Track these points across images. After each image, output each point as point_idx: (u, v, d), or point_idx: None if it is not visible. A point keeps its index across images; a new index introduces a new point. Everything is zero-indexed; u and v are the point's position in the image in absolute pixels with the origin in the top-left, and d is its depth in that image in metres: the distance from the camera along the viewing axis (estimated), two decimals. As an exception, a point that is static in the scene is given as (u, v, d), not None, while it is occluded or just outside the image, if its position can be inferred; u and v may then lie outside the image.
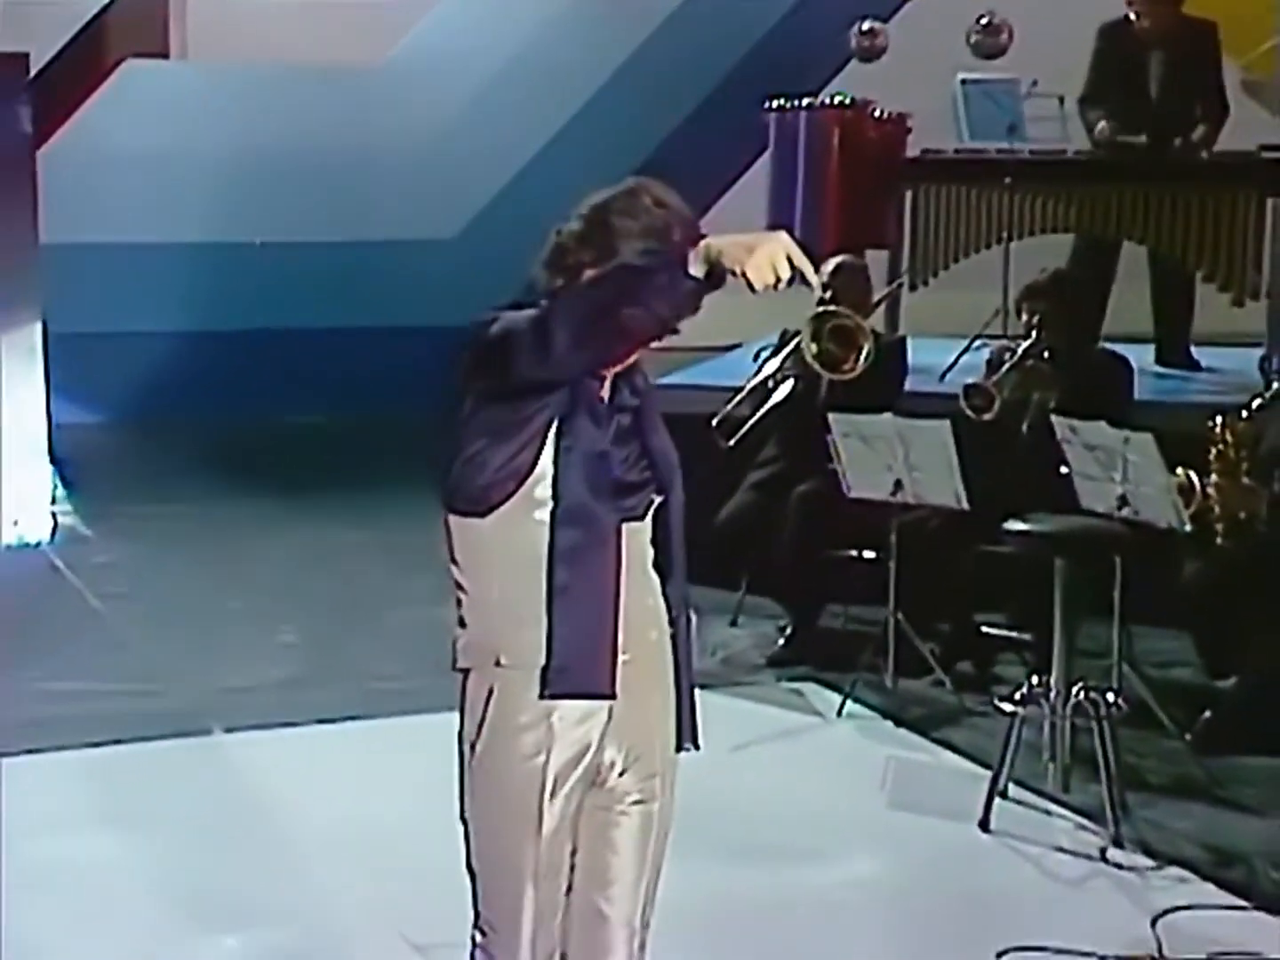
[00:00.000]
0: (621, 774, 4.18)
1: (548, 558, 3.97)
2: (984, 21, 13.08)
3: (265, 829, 7.11)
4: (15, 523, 10.95)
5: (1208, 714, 7.69)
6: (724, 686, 8.58)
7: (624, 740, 4.14)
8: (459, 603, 4.08)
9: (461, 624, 4.07)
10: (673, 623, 4.22)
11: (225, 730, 8.00)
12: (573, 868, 4.22)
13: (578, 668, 3.97)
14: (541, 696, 3.97)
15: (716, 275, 3.79)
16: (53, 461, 11.77)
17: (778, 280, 3.79)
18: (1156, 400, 9.49)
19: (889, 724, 8.13)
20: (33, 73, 12.34)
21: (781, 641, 8.97)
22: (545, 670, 3.95)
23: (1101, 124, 10.52)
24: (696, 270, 3.73)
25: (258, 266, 14.16)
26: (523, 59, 14.66)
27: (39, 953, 6.05)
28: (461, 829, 4.22)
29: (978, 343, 10.29)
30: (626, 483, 4.16)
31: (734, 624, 9.35)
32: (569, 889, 4.20)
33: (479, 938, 4.17)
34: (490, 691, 3.97)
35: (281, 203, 14.16)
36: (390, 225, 14.34)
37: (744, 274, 3.78)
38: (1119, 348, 10.19)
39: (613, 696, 4.03)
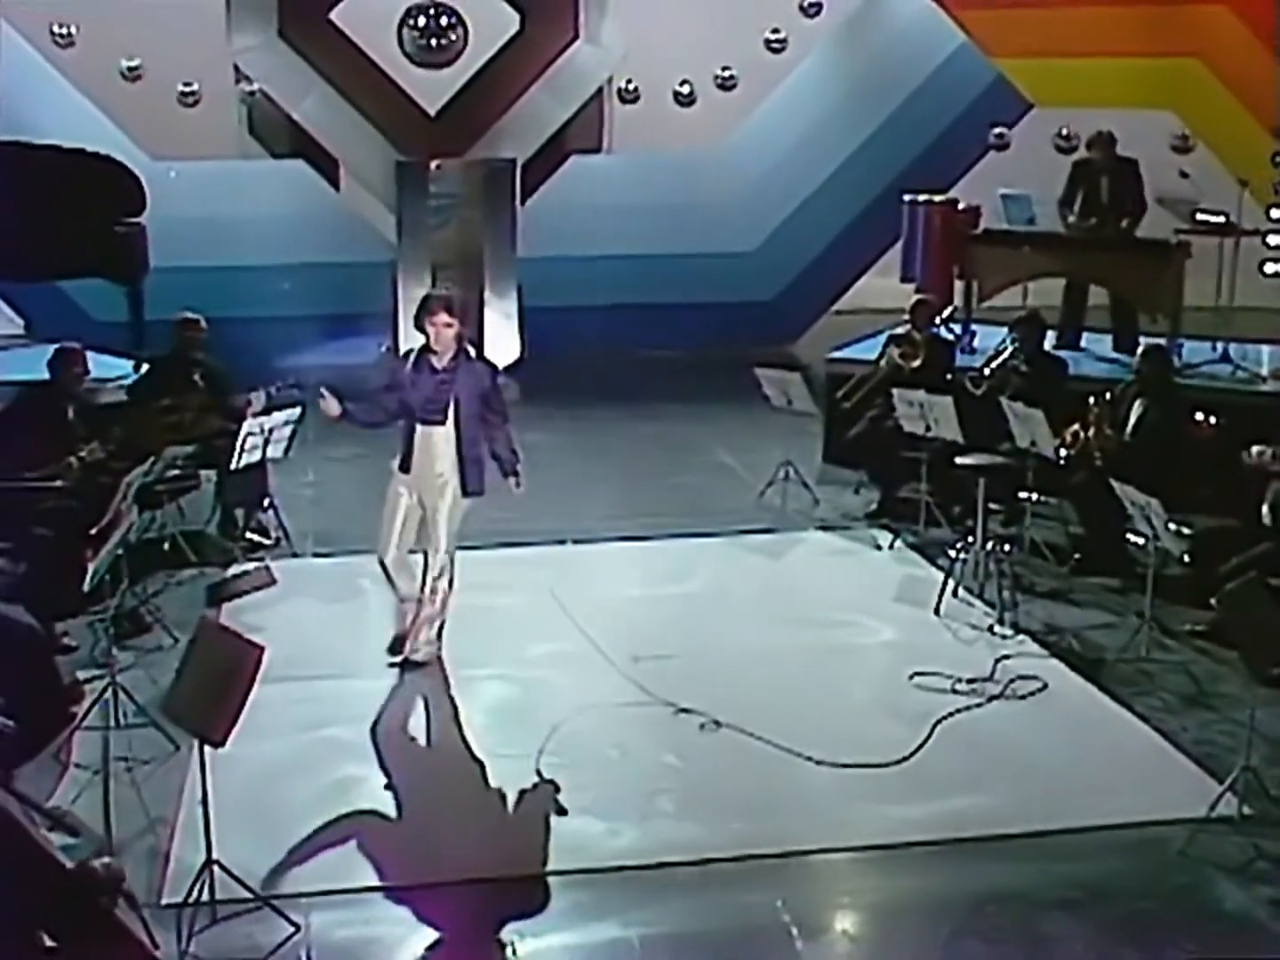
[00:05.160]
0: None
1: None
2: (1063, 133, 14.15)
3: (577, 592, 8.27)
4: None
5: (1077, 555, 8.76)
6: (840, 529, 9.46)
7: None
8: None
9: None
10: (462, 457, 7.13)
11: (573, 542, 9.14)
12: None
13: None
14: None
15: None
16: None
17: None
18: (1108, 376, 9.96)
19: (914, 554, 8.98)
20: (520, 165, 13.72)
21: (874, 505, 9.70)
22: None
23: (1070, 218, 10.96)
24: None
25: (638, 268, 14.16)
26: (801, 144, 14.61)
27: (472, 657, 7.37)
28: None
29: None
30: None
31: (856, 493, 9.98)
32: None
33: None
34: None
35: (655, 229, 14.24)
36: (719, 242, 14.44)
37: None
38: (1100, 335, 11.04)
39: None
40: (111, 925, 4.14)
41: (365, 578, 8.57)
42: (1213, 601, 6.10)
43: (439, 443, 7.16)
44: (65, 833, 5.58)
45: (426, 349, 7.18)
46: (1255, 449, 7.78)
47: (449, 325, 7.09)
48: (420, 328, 7.18)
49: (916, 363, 9.81)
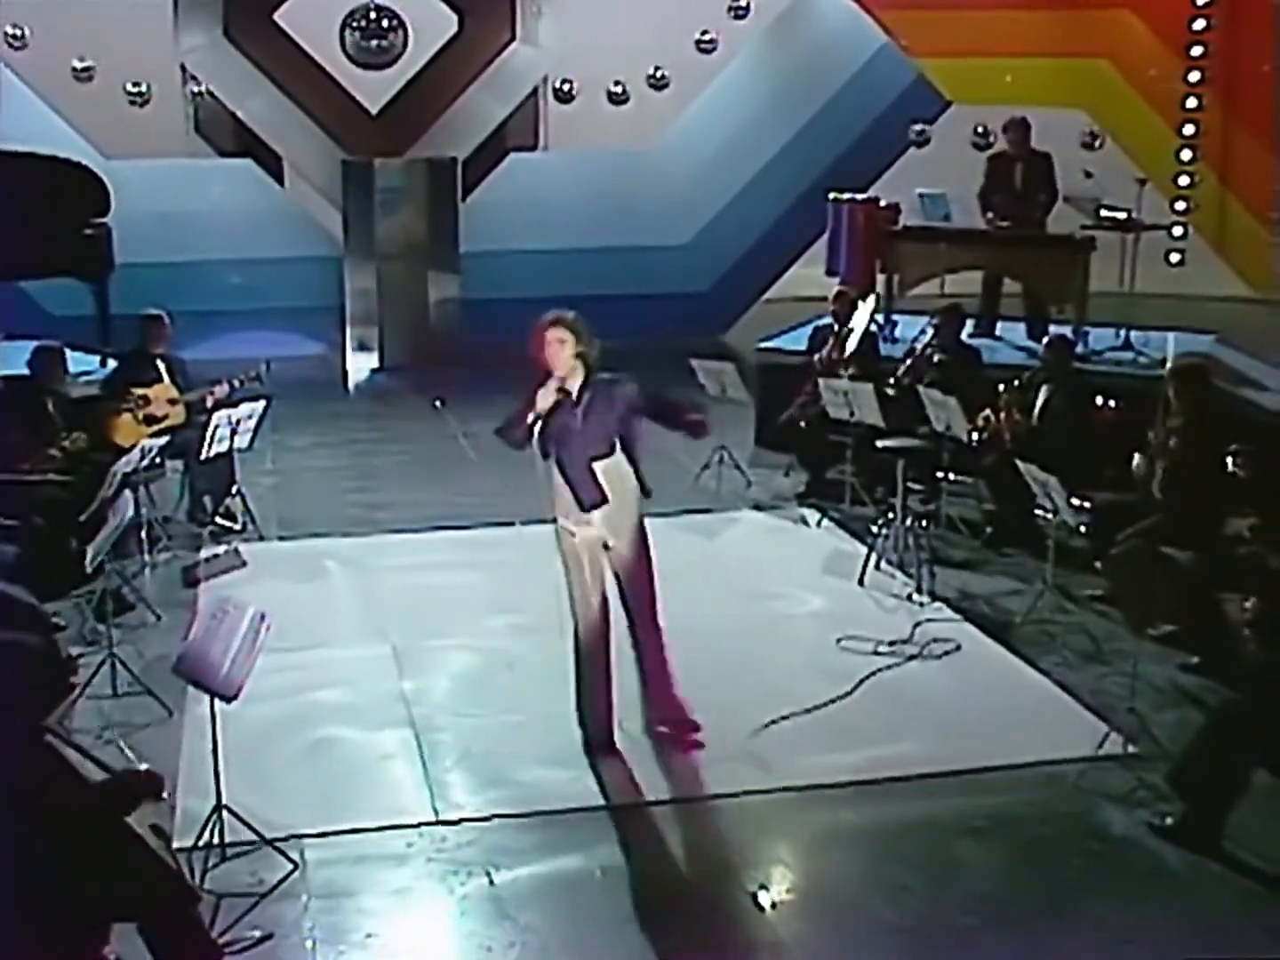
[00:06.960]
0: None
1: None
2: (980, 130, 14.89)
3: (531, 569, 8.25)
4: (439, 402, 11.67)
5: (989, 529, 9.48)
6: (771, 509, 10.15)
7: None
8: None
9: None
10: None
11: (522, 524, 9.21)
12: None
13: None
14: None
15: None
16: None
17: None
18: (1020, 364, 10.54)
19: (840, 531, 9.65)
20: (460, 162, 14.40)
21: (803, 486, 10.41)
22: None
23: (989, 214, 11.64)
24: None
25: (576, 262, 14.60)
26: (731, 141, 15.27)
27: (435, 629, 8.07)
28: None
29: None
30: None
31: (786, 475, 10.67)
32: None
33: None
34: None
35: (592, 224, 14.94)
36: (654, 236, 15.11)
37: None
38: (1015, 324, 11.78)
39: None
40: (154, 855, 4.85)
41: (328, 559, 9.28)
42: (1098, 566, 6.89)
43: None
44: (97, 766, 6.25)
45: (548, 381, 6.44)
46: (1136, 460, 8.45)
47: (562, 341, 6.40)
48: (535, 357, 6.49)
49: (841, 354, 10.52)
